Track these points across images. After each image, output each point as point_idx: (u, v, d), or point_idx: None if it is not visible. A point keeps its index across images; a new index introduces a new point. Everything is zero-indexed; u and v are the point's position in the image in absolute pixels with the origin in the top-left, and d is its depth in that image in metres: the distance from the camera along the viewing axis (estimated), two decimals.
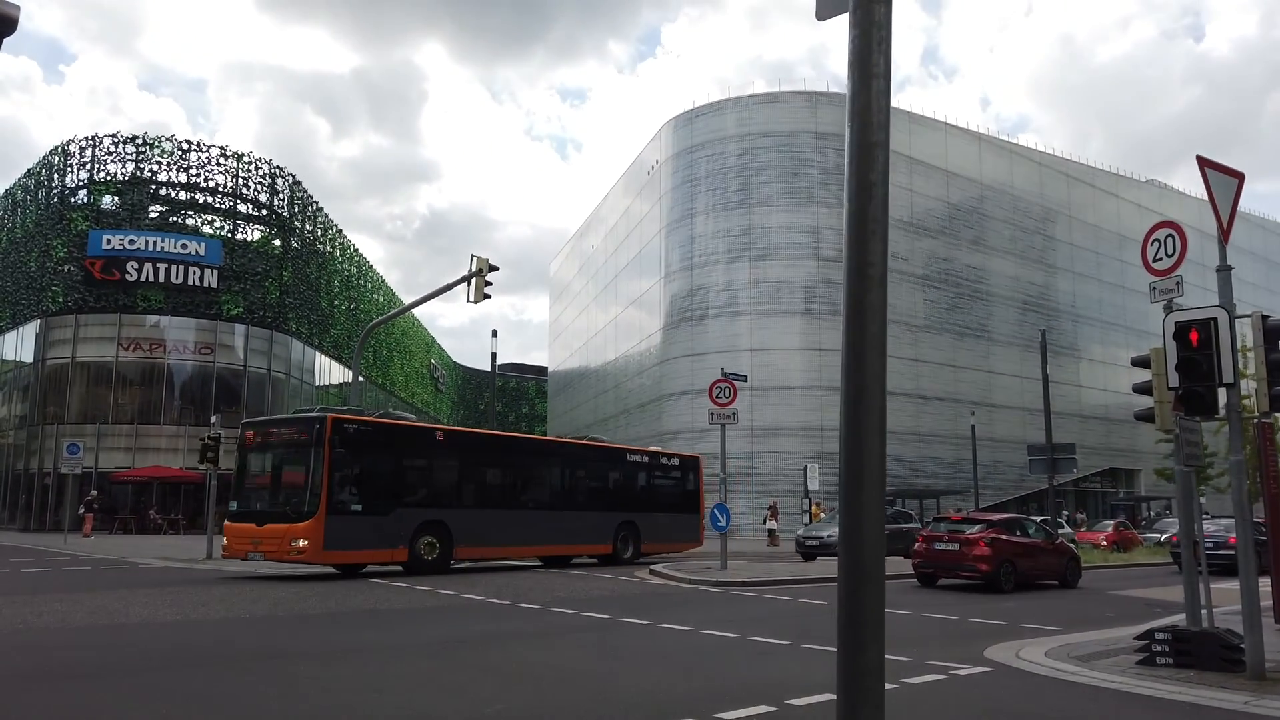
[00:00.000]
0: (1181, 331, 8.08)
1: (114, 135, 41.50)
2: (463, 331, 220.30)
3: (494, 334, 36.61)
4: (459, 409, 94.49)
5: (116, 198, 40.86)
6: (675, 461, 25.04)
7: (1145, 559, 28.07)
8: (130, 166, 41.20)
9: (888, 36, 2.61)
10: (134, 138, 41.62)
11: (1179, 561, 21.91)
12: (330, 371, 52.28)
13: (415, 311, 70.11)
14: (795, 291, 47.41)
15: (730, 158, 49.57)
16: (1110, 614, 13.57)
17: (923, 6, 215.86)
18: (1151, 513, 53.99)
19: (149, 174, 41.45)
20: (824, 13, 2.95)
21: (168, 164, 41.76)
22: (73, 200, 40.87)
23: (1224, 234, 8.38)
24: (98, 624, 10.52)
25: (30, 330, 41.52)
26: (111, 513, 37.85)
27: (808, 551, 25.32)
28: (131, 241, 39.67)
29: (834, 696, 6.65)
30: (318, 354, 49.73)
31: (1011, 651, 9.29)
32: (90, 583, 15.26)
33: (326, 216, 50.93)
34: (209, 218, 42.36)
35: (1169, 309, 8.55)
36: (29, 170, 44.66)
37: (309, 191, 48.10)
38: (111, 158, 41.17)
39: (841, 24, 3.12)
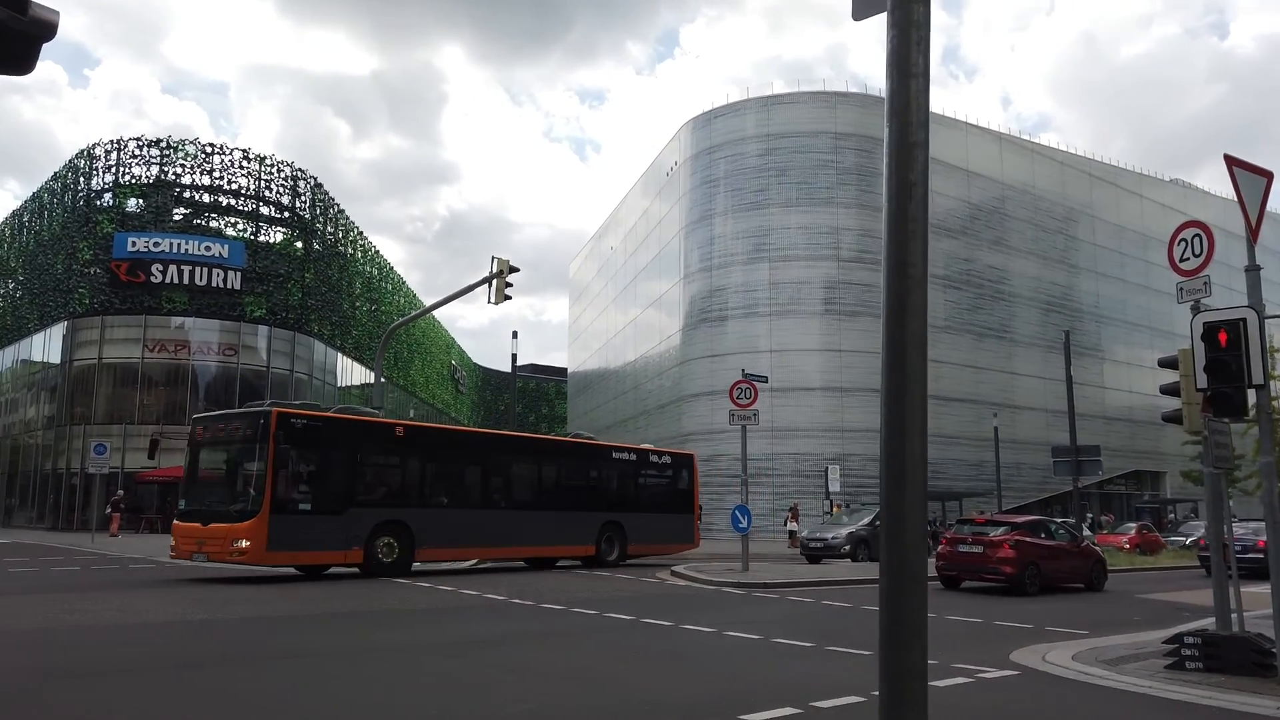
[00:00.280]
0: (1210, 332, 7.99)
1: (138, 139, 41.97)
2: (483, 332, 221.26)
3: (514, 335, 36.75)
4: (479, 410, 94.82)
5: (141, 200, 41.30)
6: (666, 459, 24.02)
7: (1171, 562, 27.79)
8: (154, 169, 41.64)
9: (926, 36, 2.61)
10: (158, 141, 42.07)
11: (1206, 565, 21.71)
12: (352, 372, 52.61)
13: (436, 313, 70.39)
14: (814, 292, 47.23)
15: (749, 158, 49.47)
16: (1137, 617, 13.44)
17: (943, 5, 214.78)
18: (1177, 515, 53.40)
19: (173, 177, 41.88)
20: (860, 13, 2.94)
21: (191, 167, 42.17)
22: (98, 203, 41.35)
23: (1253, 233, 8.29)
24: (127, 622, 10.63)
25: (57, 332, 42.03)
26: (138, 512, 38.25)
27: (812, 553, 24.88)
28: (156, 244, 40.08)
29: (859, 699, 6.66)
30: (339, 355, 50.06)
31: (1038, 655, 9.23)
32: (118, 581, 15.43)
33: (347, 218, 51.26)
34: (232, 220, 42.75)
35: (1197, 309, 8.46)
36: (55, 174, 45.22)
37: (330, 194, 48.45)
38: (136, 161, 41.62)
39: (865, 24, 3.12)
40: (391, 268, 61.55)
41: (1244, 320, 7.85)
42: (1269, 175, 8.61)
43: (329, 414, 17.21)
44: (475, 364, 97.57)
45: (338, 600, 13.33)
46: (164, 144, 42.05)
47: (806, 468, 44.30)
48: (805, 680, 7.73)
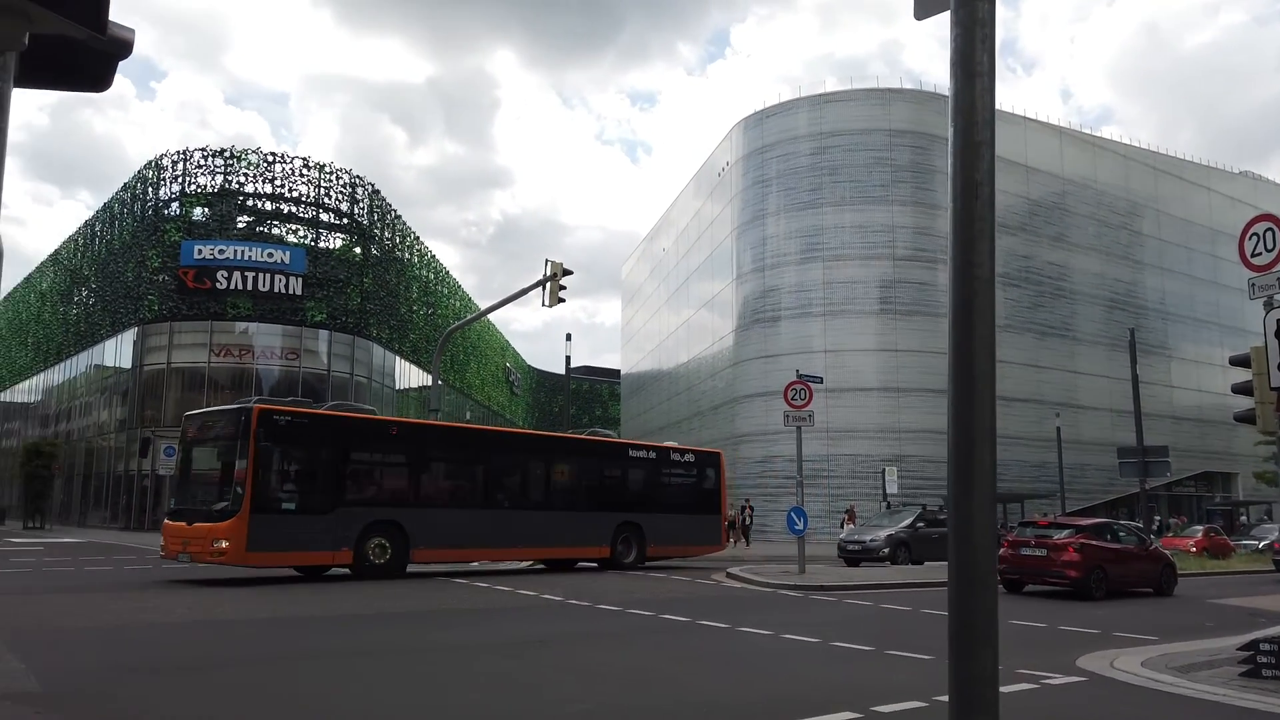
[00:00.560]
0: None
1: (203, 149, 43.12)
2: (536, 335, 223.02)
3: (568, 337, 37.05)
4: (534, 412, 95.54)
5: (207, 209, 42.43)
6: (690, 458, 23.10)
7: (1244, 566, 26.89)
8: (219, 179, 42.73)
9: (991, 34, 2.57)
10: (222, 151, 43.17)
11: None
12: (410, 375, 53.39)
13: (490, 316, 71.13)
14: (869, 291, 46.70)
15: (801, 157, 49.09)
16: (1210, 623, 13.04)
17: None
18: (1249, 518, 51.66)
19: (236, 186, 42.94)
20: (923, 12, 2.91)
21: (254, 176, 43.20)
22: (166, 212, 42.56)
23: None
24: (197, 619, 10.95)
25: (128, 337, 43.36)
26: None
27: (850, 557, 24.12)
28: (221, 251, 41.15)
29: (921, 704, 6.58)
30: (398, 358, 50.84)
31: (1105, 661, 9.01)
32: (188, 578, 15.86)
33: (404, 224, 52.05)
34: (293, 227, 43.68)
35: (1270, 306, 8.19)
36: (125, 184, 46.67)
37: (387, 200, 49.24)
38: (201, 171, 42.77)
39: (913, 21, 3.08)
40: (447, 272, 62.36)
41: None
42: None
43: (316, 411, 16.73)
44: (529, 366, 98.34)
45: (397, 599, 13.55)
46: (228, 154, 43.15)
47: (863, 469, 43.81)
48: (864, 684, 7.65)
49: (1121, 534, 18.26)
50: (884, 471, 35.79)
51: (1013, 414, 48.08)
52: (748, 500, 40.34)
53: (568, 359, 36.51)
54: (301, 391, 41.90)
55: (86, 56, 3.22)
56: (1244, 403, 9.56)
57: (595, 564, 20.50)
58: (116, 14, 2.82)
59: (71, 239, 53.99)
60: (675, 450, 23.19)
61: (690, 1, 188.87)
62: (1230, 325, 58.17)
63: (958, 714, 2.58)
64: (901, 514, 26.82)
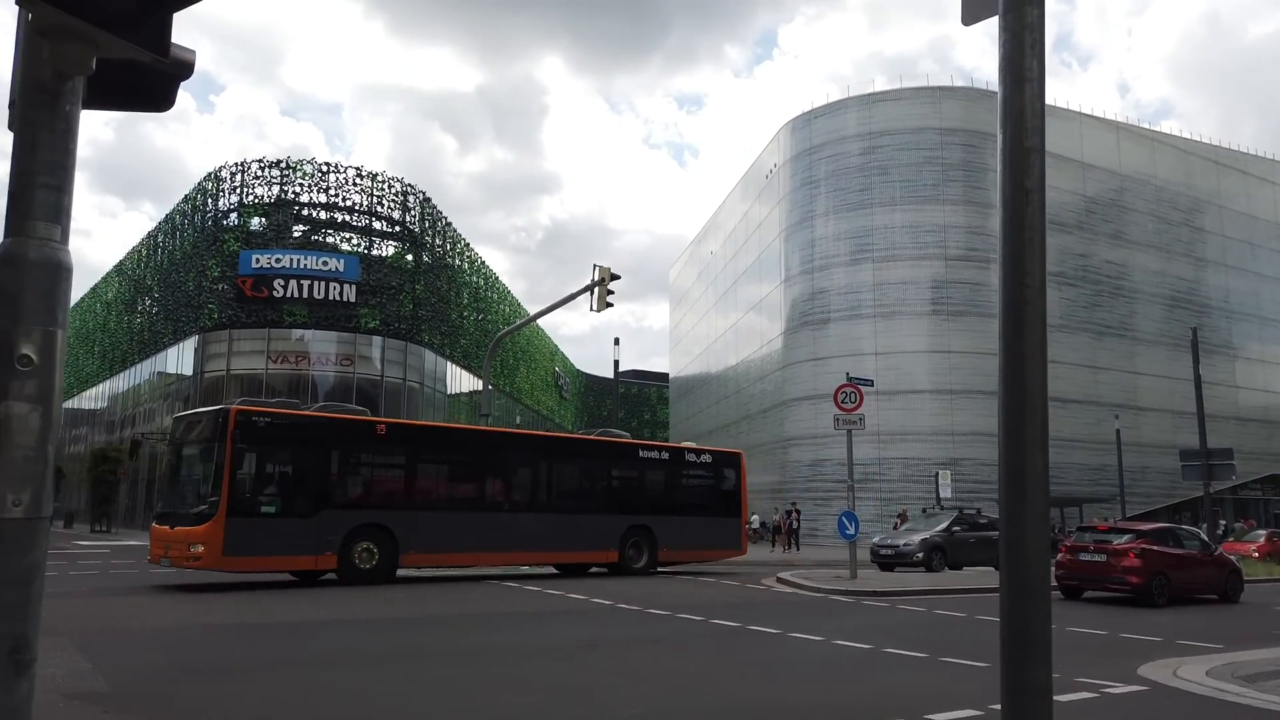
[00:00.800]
0: None
1: (260, 160, 44.12)
2: (585, 339, 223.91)
3: (616, 341, 37.20)
4: (582, 416, 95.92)
5: (264, 219, 43.39)
6: (707, 458, 22.22)
7: None
8: (275, 189, 43.67)
9: (1040, 39, 2.55)
10: (278, 162, 44.13)
11: None
12: (461, 380, 53.98)
13: (539, 321, 71.66)
14: (921, 292, 46.09)
15: (850, 158, 48.66)
16: (1278, 631, 12.64)
17: None
18: None
19: (292, 196, 43.85)
20: (970, 17, 2.89)
21: (308, 186, 44.07)
22: (225, 222, 43.62)
23: None
24: (258, 623, 11.20)
25: (190, 345, 44.49)
26: None
27: (883, 561, 23.52)
28: (278, 260, 42.04)
29: (976, 712, 6.49)
30: (449, 363, 51.44)
31: (1168, 670, 8.78)
32: (246, 581, 16.20)
33: (455, 231, 52.67)
34: (347, 235, 44.47)
35: None
36: (186, 196, 47.93)
37: (438, 207, 49.88)
38: (258, 181, 43.75)
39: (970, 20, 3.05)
40: (497, 277, 62.95)
41: None
42: None
43: (296, 412, 16.38)
44: (578, 370, 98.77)
45: (449, 603, 13.71)
46: (283, 165, 44.09)
47: (916, 473, 43.23)
48: (918, 691, 7.56)
49: (1184, 539, 17.78)
50: (937, 475, 35.29)
51: (1069, 416, 47.08)
52: (794, 504, 40.08)
53: (616, 363, 36.63)
54: (356, 397, 42.64)
55: (150, 78, 3.33)
56: None
57: (605, 569, 19.79)
58: (177, 30, 2.91)
59: (135, 250, 55.62)
60: (691, 450, 22.45)
61: (737, 3, 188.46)
62: None
63: None
64: (938, 518, 26.20)
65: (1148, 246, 53.14)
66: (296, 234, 43.65)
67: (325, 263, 42.58)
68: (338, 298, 42.58)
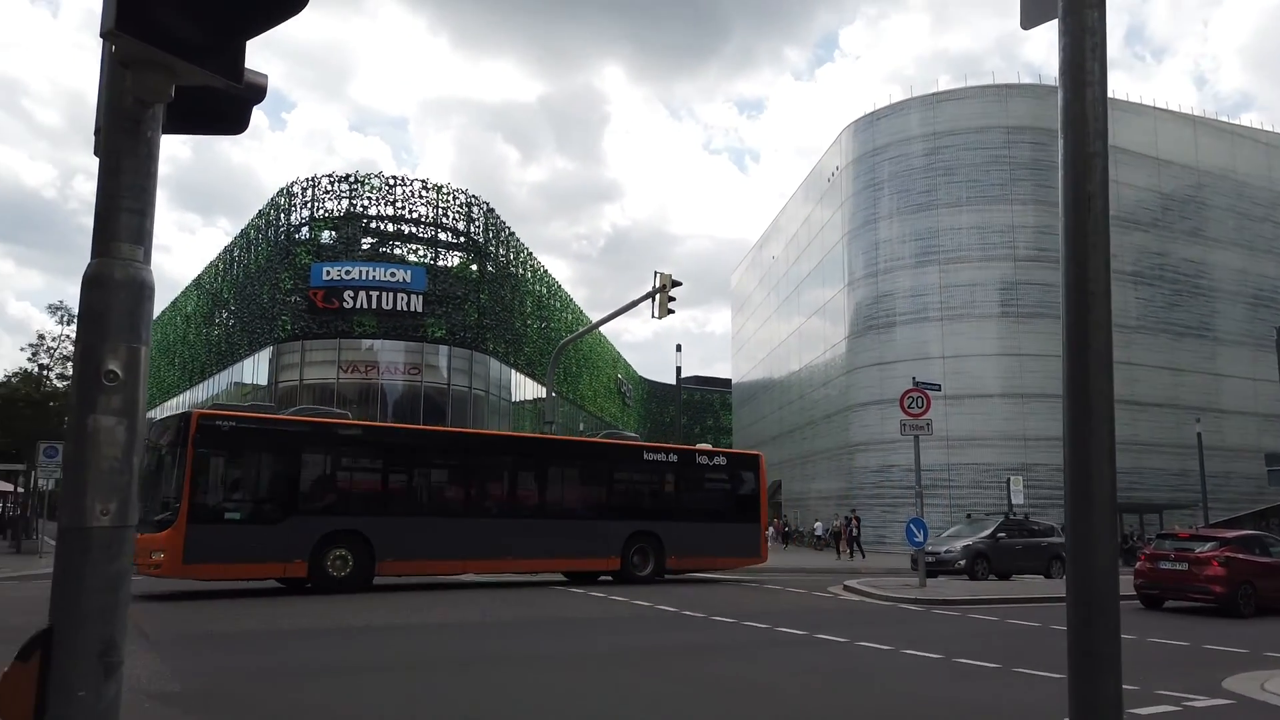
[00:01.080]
0: None
1: (329, 175, 45.29)
2: (647, 345, 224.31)
3: (678, 348, 37.09)
4: (645, 422, 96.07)
5: (333, 232, 44.54)
6: (721, 461, 21.11)
7: None
8: (344, 203, 44.80)
9: (1102, 42, 2.50)
10: (347, 176, 45.25)
11: None
12: (525, 388, 54.55)
13: (602, 328, 72.06)
14: (989, 294, 45.12)
15: (914, 159, 47.92)
16: None
17: None
18: None
19: (360, 209, 44.92)
20: (1029, 21, 2.85)
21: (376, 199, 45.10)
22: (296, 236, 44.87)
23: None
24: (333, 626, 11.47)
25: (264, 356, 45.82)
26: None
27: (926, 569, 22.95)
28: (347, 272, 43.09)
29: None
30: (513, 371, 52.05)
31: (1255, 683, 8.45)
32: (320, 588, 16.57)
33: (518, 240, 53.31)
34: (413, 247, 45.40)
35: None
36: (260, 211, 49.43)
37: (501, 217, 50.56)
38: (328, 196, 44.93)
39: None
40: (559, 285, 63.50)
41: None
42: None
43: (262, 415, 16.08)
44: (641, 377, 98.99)
45: (521, 607, 13.86)
46: (352, 179, 45.20)
47: (986, 479, 42.28)
48: (989, 703, 7.41)
49: (1271, 546, 17.06)
50: (1009, 481, 34.45)
51: (1148, 420, 45.59)
52: (854, 510, 39.59)
53: (678, 369, 36.57)
54: (424, 405, 43.39)
55: (225, 103, 3.46)
56: None
57: (610, 577, 19.01)
58: (251, 50, 3.02)
59: (212, 264, 57.53)
60: (702, 453, 21.50)
61: (797, 6, 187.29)
62: None
63: None
64: (983, 523, 25.38)
65: (1228, 244, 51.22)
66: (365, 246, 44.67)
67: (393, 274, 43.49)
68: (405, 308, 43.43)
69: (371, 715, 6.64)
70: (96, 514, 2.75)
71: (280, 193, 46.43)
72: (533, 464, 18.73)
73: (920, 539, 18.56)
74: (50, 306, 59.52)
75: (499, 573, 18.45)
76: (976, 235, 45.63)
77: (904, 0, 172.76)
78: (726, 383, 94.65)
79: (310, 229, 44.76)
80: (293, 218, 45.24)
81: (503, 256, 50.39)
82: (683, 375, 38.11)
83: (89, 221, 2.95)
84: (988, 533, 23.63)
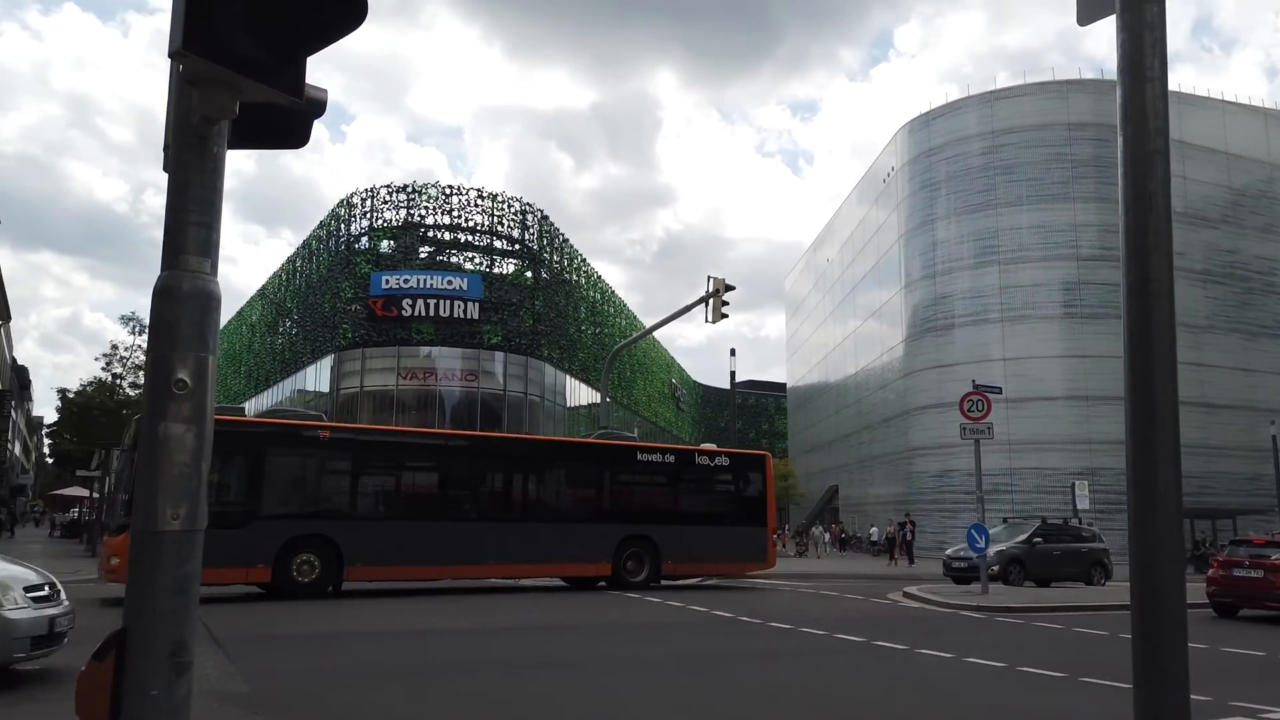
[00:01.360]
0: None
1: (388, 186, 46.14)
2: (701, 350, 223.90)
3: (732, 352, 37.08)
4: (699, 427, 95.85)
5: (392, 242, 45.36)
6: (723, 461, 20.12)
7: None
8: (402, 213, 45.61)
9: (1161, 37, 2.44)
10: (404, 186, 46.05)
11: None
12: (579, 393, 54.86)
13: (655, 333, 72.15)
14: (1052, 295, 44.15)
15: (972, 158, 47.14)
16: None
17: None
18: None
19: (418, 218, 45.69)
20: (1086, 17, 2.79)
21: (433, 208, 45.83)
22: (356, 246, 45.79)
23: None
24: (411, 628, 11.66)
25: (326, 364, 46.80)
26: None
27: (957, 574, 21.91)
28: (405, 280, 43.83)
29: None
30: (568, 377, 52.37)
31: None
32: (377, 590, 16.88)
33: (572, 247, 53.68)
34: (469, 255, 46.03)
35: None
36: (321, 222, 50.54)
37: (555, 224, 50.97)
38: (387, 206, 45.79)
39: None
40: (613, 291, 63.75)
41: None
42: None
43: (223, 417, 15.34)
44: (695, 381, 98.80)
45: (580, 611, 13.92)
46: (409, 189, 45.99)
47: (1050, 483, 41.33)
48: (1056, 713, 7.24)
49: None
50: (1074, 486, 33.63)
51: (1220, 422, 44.14)
52: (908, 515, 39.01)
53: (732, 374, 36.53)
54: (480, 411, 43.91)
55: (287, 118, 3.57)
56: None
57: (603, 583, 18.30)
58: (311, 65, 3.10)
59: (276, 274, 58.96)
60: (703, 453, 20.56)
61: (851, 6, 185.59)
62: None
63: None
64: (1019, 527, 24.32)
65: None
66: (423, 255, 45.40)
67: (450, 282, 44.11)
68: (462, 315, 44.01)
69: (443, 717, 6.73)
70: (167, 518, 2.84)
71: (340, 204, 47.43)
72: (514, 465, 18.15)
73: (981, 545, 18.21)
74: (122, 317, 61.68)
75: (478, 578, 17.57)
76: (1037, 234, 44.71)
77: None
78: (781, 387, 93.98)
79: (369, 239, 45.63)
80: (352, 228, 46.17)
81: (557, 263, 50.76)
82: (737, 380, 37.98)
83: (159, 235, 3.05)
84: (1023, 537, 22.78)
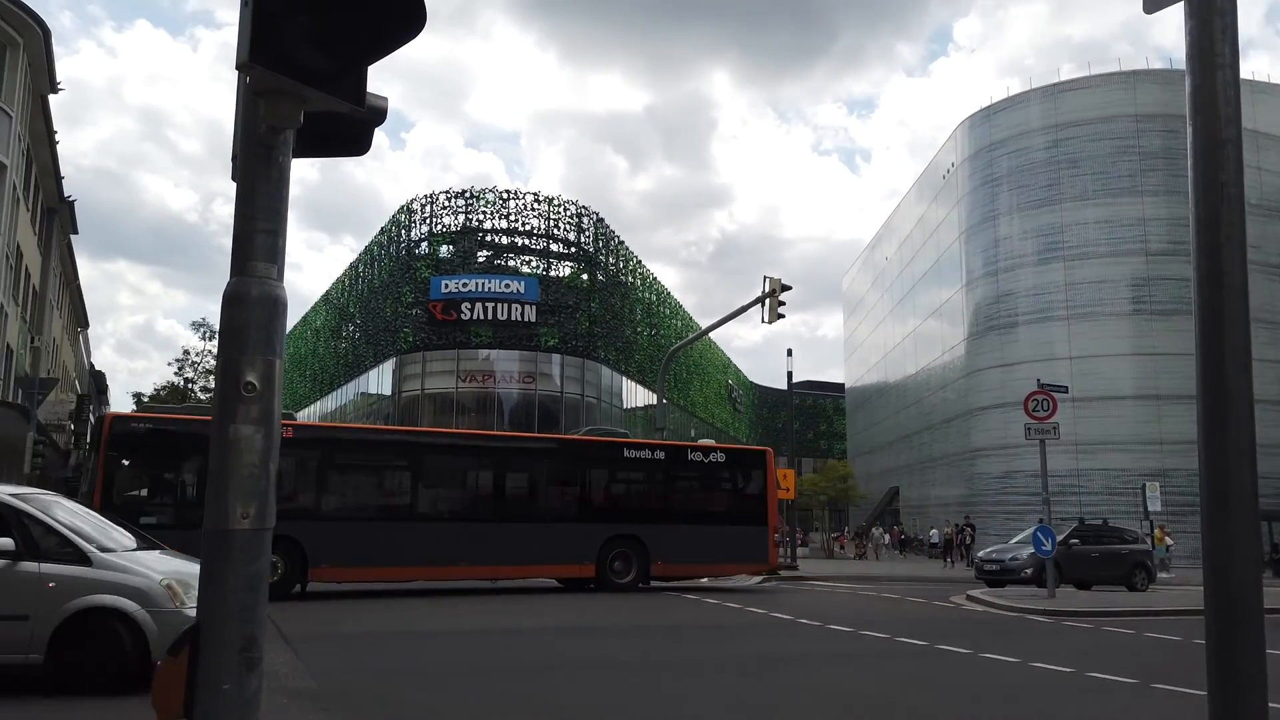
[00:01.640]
0: None
1: (446, 191, 46.84)
2: (757, 351, 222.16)
3: (789, 353, 36.67)
4: (757, 428, 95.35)
5: (451, 247, 46.02)
6: (719, 458, 19.30)
7: None
8: (461, 218, 46.25)
9: (1232, 23, 2.36)
10: (463, 192, 46.69)
11: None
12: (636, 395, 54.97)
13: (711, 334, 71.97)
14: (1119, 291, 42.91)
15: (1035, 152, 46.06)
16: None
17: None
18: None
19: (476, 223, 46.27)
20: (1153, 5, 2.71)
21: (491, 213, 46.38)
22: (416, 251, 46.55)
23: None
24: (474, 629, 11.81)
25: (388, 367, 47.64)
26: None
27: (989, 577, 21.21)
28: (464, 285, 44.41)
29: None
30: (624, 379, 52.52)
31: None
32: (423, 590, 17.08)
33: (627, 249, 53.83)
34: (526, 258, 46.46)
35: None
36: (382, 228, 51.49)
37: (611, 227, 51.18)
38: (446, 211, 46.46)
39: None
40: (669, 292, 63.75)
41: None
42: None
43: (182, 416, 15.44)
44: (751, 382, 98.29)
45: (625, 613, 13.95)
46: (468, 194, 46.60)
47: (1119, 485, 40.19)
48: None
49: None
50: (1144, 487, 32.64)
51: None
52: (967, 517, 38.23)
53: (789, 374, 36.10)
54: (538, 413, 44.27)
55: (349, 126, 3.65)
56: None
57: (591, 584, 17.54)
58: (371, 75, 3.17)
59: (339, 280, 60.19)
60: (697, 449, 19.77)
61: (909, 1, 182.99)
62: None
63: None
64: (1058, 529, 23.40)
65: None
66: (481, 259, 45.94)
67: (507, 285, 44.57)
68: (519, 318, 44.43)
69: (509, 716, 6.80)
70: (237, 517, 2.93)
71: (401, 210, 48.25)
72: (489, 463, 17.71)
73: (1048, 547, 17.80)
74: (193, 323, 63.50)
75: (451, 579, 16.85)
76: (1104, 229, 43.52)
77: None
78: (839, 387, 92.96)
79: (429, 244, 46.34)
80: (412, 233, 46.94)
81: (613, 265, 50.94)
82: (794, 380, 37.62)
83: (227, 242, 3.16)
84: (1059, 539, 21.39)
